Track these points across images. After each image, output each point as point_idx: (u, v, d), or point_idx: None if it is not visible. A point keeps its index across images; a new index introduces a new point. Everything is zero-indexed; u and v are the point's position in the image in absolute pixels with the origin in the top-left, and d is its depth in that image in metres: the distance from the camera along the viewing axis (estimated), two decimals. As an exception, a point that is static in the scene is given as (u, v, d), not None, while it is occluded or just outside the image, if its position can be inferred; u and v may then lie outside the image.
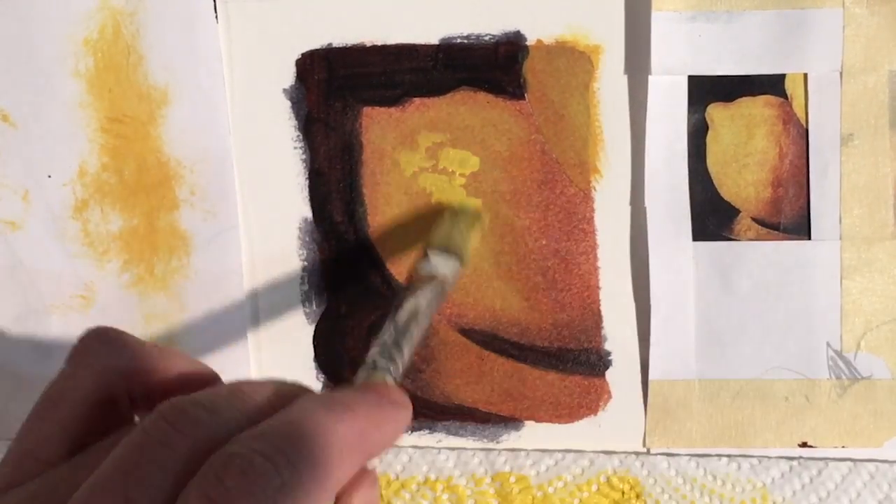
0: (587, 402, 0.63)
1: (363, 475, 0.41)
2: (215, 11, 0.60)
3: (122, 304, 0.64)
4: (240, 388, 0.39)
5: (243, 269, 0.63)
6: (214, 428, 0.37)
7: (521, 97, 0.60)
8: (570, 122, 0.60)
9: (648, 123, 0.59)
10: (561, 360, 0.62)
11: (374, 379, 0.46)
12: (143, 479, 0.35)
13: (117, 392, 0.43)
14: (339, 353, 0.63)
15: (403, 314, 0.51)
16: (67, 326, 0.64)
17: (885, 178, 0.58)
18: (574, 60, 0.59)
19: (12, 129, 0.63)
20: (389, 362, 0.48)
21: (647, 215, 0.60)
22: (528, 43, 0.60)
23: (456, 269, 0.56)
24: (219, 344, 0.64)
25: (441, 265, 0.56)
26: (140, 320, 0.64)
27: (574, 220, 0.61)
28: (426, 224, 0.61)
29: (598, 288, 0.62)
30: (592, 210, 0.61)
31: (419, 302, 0.52)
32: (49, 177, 0.63)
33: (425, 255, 0.56)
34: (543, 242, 0.61)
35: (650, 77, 0.58)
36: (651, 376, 0.61)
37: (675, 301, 0.60)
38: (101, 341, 0.44)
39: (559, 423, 0.63)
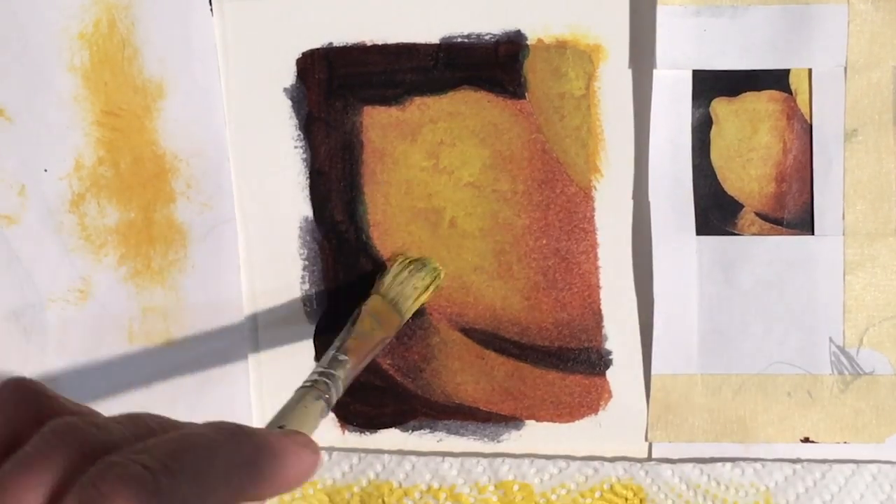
0: (588, 402, 0.62)
1: None
2: (210, 5, 0.60)
3: (120, 298, 0.64)
4: (141, 416, 0.38)
5: (241, 265, 0.63)
6: (101, 442, 0.36)
7: (522, 96, 0.60)
8: (571, 122, 0.60)
9: (653, 118, 0.59)
10: (561, 359, 0.62)
11: (306, 400, 0.48)
12: (18, 491, 0.34)
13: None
14: (338, 352, 0.63)
15: (339, 343, 0.55)
16: (65, 320, 0.64)
17: (889, 173, 0.58)
18: (575, 59, 0.60)
19: (8, 124, 0.63)
20: (325, 391, 0.50)
21: (651, 209, 0.60)
22: (528, 42, 0.60)
23: (395, 324, 0.58)
24: (216, 338, 0.64)
25: (383, 316, 0.58)
26: (137, 314, 0.64)
27: (575, 219, 0.61)
28: (426, 225, 0.61)
29: (598, 287, 0.62)
30: (593, 209, 0.61)
31: (356, 340, 0.56)
32: (45, 171, 0.63)
33: (371, 297, 0.59)
34: (544, 241, 0.61)
35: (655, 71, 0.58)
36: (653, 371, 0.61)
37: (677, 295, 0.60)
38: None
39: (560, 422, 0.63)
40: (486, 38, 0.60)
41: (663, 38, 0.58)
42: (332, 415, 0.64)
